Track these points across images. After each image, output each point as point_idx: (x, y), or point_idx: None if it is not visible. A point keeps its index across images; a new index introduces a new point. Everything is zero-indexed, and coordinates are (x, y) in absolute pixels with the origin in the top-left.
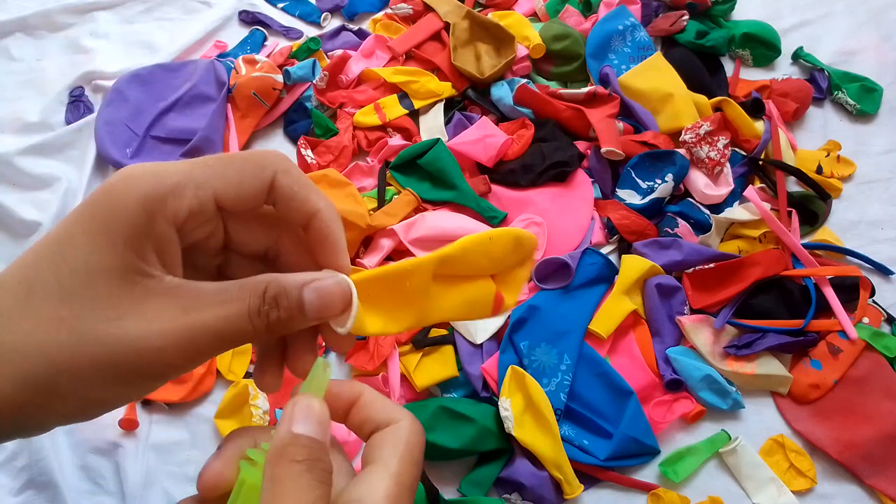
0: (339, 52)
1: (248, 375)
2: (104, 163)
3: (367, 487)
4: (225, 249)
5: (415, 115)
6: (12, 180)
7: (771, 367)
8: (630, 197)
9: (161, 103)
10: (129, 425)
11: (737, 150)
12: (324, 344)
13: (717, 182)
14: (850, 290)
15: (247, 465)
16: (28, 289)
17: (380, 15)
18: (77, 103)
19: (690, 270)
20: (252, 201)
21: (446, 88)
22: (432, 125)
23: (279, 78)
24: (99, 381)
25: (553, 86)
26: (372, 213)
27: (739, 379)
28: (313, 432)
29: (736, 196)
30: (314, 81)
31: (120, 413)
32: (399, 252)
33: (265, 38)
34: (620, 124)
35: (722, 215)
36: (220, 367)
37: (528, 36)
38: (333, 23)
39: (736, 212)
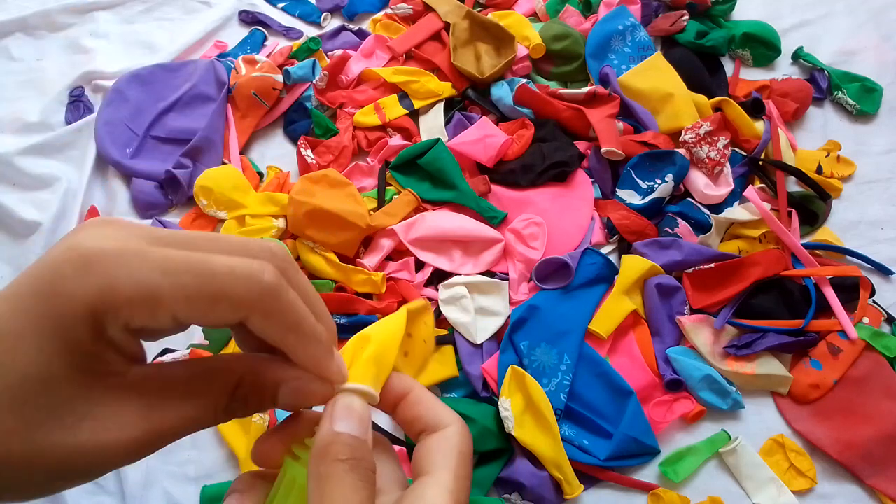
0: (339, 52)
1: None
2: (104, 163)
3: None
4: None
5: (415, 115)
6: (12, 180)
7: (771, 367)
8: (630, 197)
9: (161, 103)
10: None
11: (737, 150)
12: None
13: (717, 182)
14: (850, 290)
15: (290, 461)
16: None
17: (380, 15)
18: (77, 103)
19: (690, 270)
20: (221, 327)
21: (446, 88)
22: (432, 125)
23: (279, 78)
24: (50, 483)
25: (553, 86)
26: (372, 213)
27: (739, 379)
28: (355, 430)
29: (736, 196)
30: (314, 81)
31: None
32: (399, 252)
33: (265, 38)
34: (620, 124)
35: (722, 215)
36: None
37: (528, 36)
38: (333, 23)
39: (736, 212)
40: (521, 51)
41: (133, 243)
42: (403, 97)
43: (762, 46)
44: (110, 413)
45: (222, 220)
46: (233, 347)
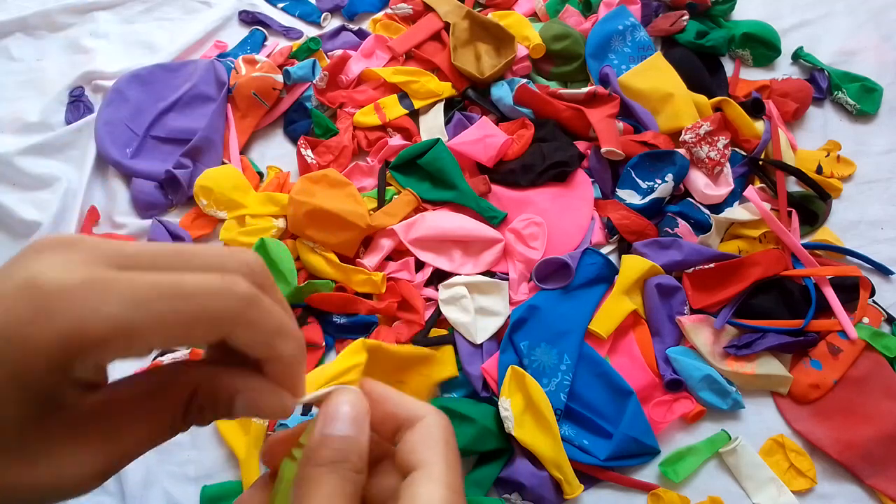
0: (339, 52)
1: None
2: (104, 163)
3: (421, 502)
4: None
5: (415, 115)
6: (12, 180)
7: (771, 367)
8: (630, 197)
9: (161, 103)
10: None
11: (737, 150)
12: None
13: (717, 182)
14: (850, 290)
15: (288, 462)
16: None
17: (380, 15)
18: (77, 103)
19: (690, 270)
20: (203, 340)
21: (446, 88)
22: (432, 125)
23: (279, 78)
24: None
25: (553, 86)
26: (372, 213)
27: (739, 379)
28: (344, 431)
29: (736, 196)
30: (314, 81)
31: None
32: (399, 252)
33: (265, 38)
34: (620, 124)
35: (722, 215)
36: None
37: (528, 36)
38: (333, 23)
39: (736, 212)
40: (521, 51)
41: (97, 271)
42: (403, 97)
43: (762, 46)
44: (67, 450)
45: (222, 220)
46: None
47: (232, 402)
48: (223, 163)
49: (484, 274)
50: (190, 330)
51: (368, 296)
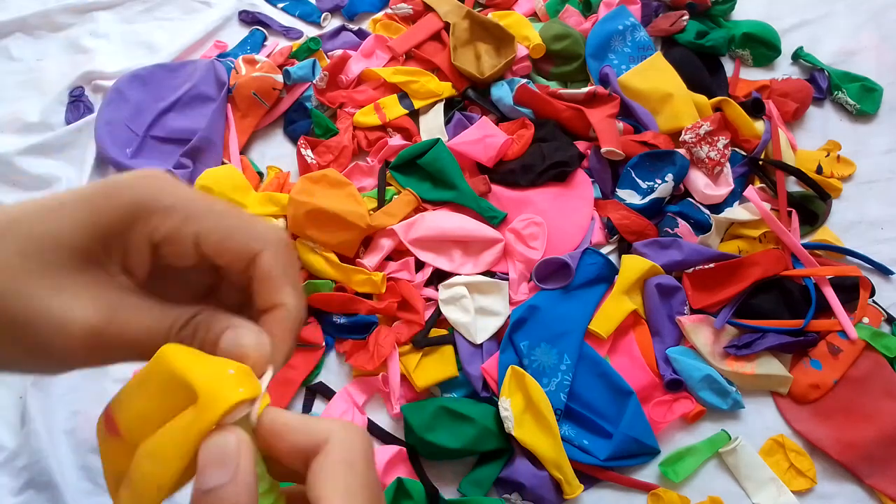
0: (339, 52)
1: None
2: (104, 163)
3: None
4: (216, 274)
5: (415, 115)
6: (12, 180)
7: (771, 367)
8: (630, 197)
9: (161, 103)
10: None
11: (737, 150)
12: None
13: (717, 182)
14: (850, 290)
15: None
16: (6, 236)
17: (380, 15)
18: (77, 103)
19: (690, 270)
20: (229, 262)
21: (446, 88)
22: (432, 125)
23: (279, 78)
24: (7, 340)
25: (553, 86)
26: (372, 213)
27: (739, 379)
28: (224, 478)
29: (736, 196)
30: (314, 81)
31: None
32: (399, 252)
33: (265, 38)
34: (620, 124)
35: (722, 215)
36: None
37: (528, 36)
38: (333, 23)
39: (736, 212)
40: (521, 51)
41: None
42: (403, 97)
43: (762, 46)
44: (86, 297)
45: None
46: None
47: (221, 336)
48: (223, 163)
49: (484, 274)
50: (228, 238)
51: (368, 296)
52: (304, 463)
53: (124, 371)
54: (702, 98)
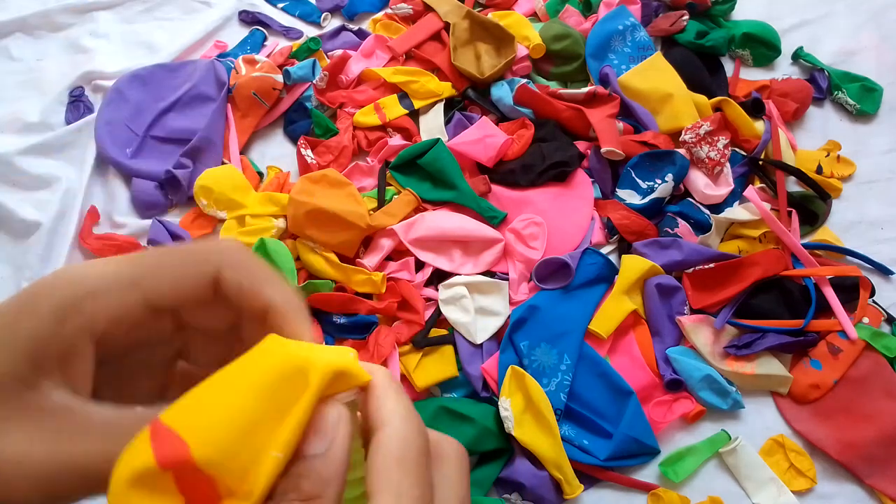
0: (339, 52)
1: None
2: (104, 163)
3: None
4: (180, 331)
5: (415, 115)
6: (12, 180)
7: (771, 367)
8: (630, 197)
9: (161, 103)
10: None
11: (737, 150)
12: None
13: (717, 182)
14: (850, 290)
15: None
16: None
17: (380, 15)
18: (77, 103)
19: (690, 270)
20: (192, 301)
21: (446, 88)
22: (432, 125)
23: (279, 78)
24: None
25: (553, 86)
26: (372, 213)
27: (739, 379)
28: (312, 450)
29: (736, 196)
30: (314, 81)
31: None
32: (399, 252)
33: (265, 38)
34: (620, 124)
35: (722, 215)
36: None
37: (528, 36)
38: (333, 23)
39: (736, 212)
40: (521, 51)
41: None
42: (403, 97)
43: (762, 46)
44: (20, 429)
45: (222, 221)
46: None
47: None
48: (223, 163)
49: (484, 274)
50: (178, 278)
51: (368, 296)
52: (367, 432)
53: None
54: (702, 98)
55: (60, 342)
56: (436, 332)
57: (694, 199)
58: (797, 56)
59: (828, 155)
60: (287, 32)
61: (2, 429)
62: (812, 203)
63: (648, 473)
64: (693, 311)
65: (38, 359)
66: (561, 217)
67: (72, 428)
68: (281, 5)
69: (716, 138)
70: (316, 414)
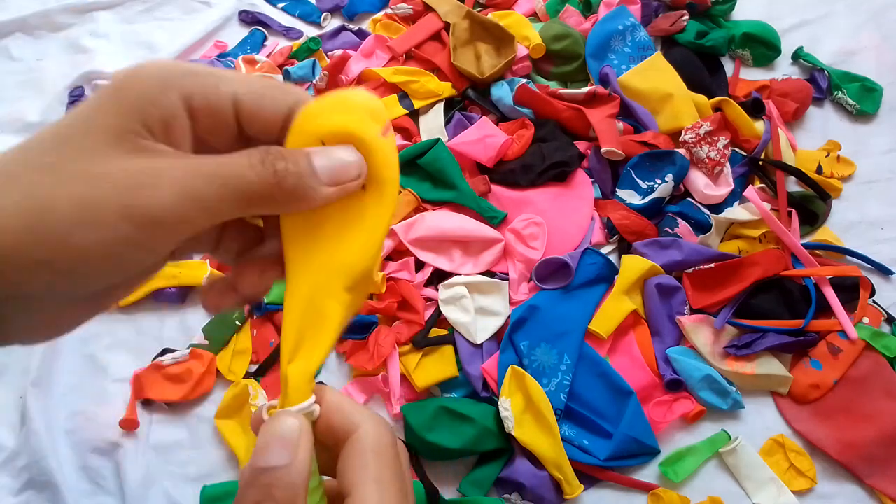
0: (339, 52)
1: (248, 375)
2: None
3: None
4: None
5: (415, 115)
6: None
7: (771, 367)
8: (630, 197)
9: None
10: (129, 425)
11: (737, 150)
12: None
13: (717, 182)
14: (850, 290)
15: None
16: (30, 146)
17: (380, 15)
18: (77, 103)
19: (690, 270)
20: (265, 124)
21: (446, 88)
22: (432, 125)
23: (279, 78)
24: (86, 224)
25: (553, 86)
26: None
27: (739, 379)
28: (282, 460)
29: (736, 196)
30: (314, 81)
31: (120, 413)
32: (399, 252)
33: (265, 38)
34: (620, 124)
35: (722, 215)
36: (220, 367)
37: (528, 36)
38: (333, 23)
39: (736, 212)
40: (521, 51)
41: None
42: (403, 97)
43: (762, 46)
44: (141, 160)
45: None
46: (232, 347)
47: (310, 159)
48: None
49: (484, 274)
50: (264, 97)
51: (369, 296)
52: (333, 443)
53: (124, 371)
54: (702, 98)
55: (164, 108)
56: (436, 332)
57: (694, 199)
58: (797, 56)
59: (828, 155)
60: (287, 32)
61: (125, 157)
62: (812, 203)
63: (648, 473)
64: (693, 311)
65: (146, 119)
66: (561, 217)
67: (197, 158)
68: (281, 5)
69: (716, 138)
70: (276, 423)
